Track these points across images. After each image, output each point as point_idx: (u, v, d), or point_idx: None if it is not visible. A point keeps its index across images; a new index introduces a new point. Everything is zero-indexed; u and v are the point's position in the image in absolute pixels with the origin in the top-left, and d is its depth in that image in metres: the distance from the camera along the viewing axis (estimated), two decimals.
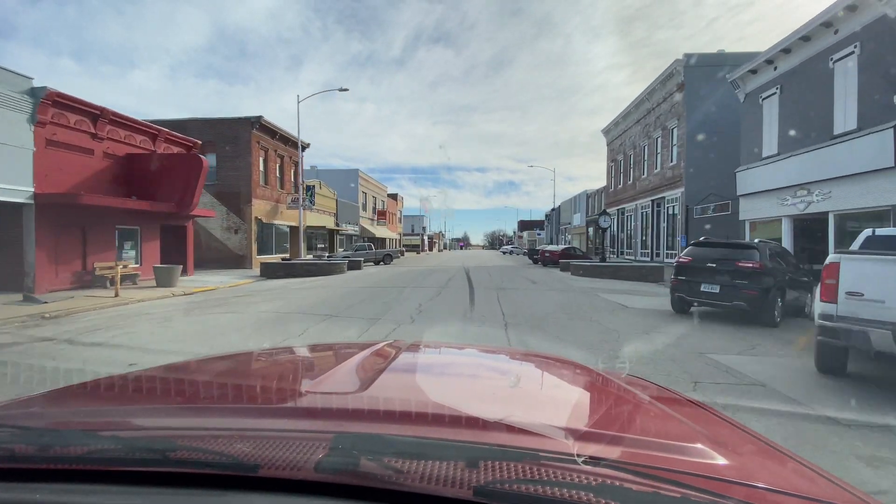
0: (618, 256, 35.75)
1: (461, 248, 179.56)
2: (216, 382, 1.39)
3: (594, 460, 0.73)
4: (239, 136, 26.43)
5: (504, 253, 72.66)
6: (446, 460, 0.69)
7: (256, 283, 17.76)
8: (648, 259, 29.34)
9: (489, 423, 0.93)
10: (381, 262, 31.04)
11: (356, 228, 45.20)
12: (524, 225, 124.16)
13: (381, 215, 54.63)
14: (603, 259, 21.74)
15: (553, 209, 54.08)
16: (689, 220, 23.96)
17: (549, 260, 28.08)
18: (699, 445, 0.93)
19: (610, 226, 23.05)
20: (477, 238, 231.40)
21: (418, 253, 72.02)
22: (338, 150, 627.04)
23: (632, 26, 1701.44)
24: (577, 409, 1.26)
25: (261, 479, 0.69)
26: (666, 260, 26.86)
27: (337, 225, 39.86)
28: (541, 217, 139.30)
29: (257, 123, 26.47)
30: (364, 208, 50.00)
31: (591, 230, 45.61)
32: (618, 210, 36.43)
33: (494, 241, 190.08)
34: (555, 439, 0.86)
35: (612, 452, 0.82)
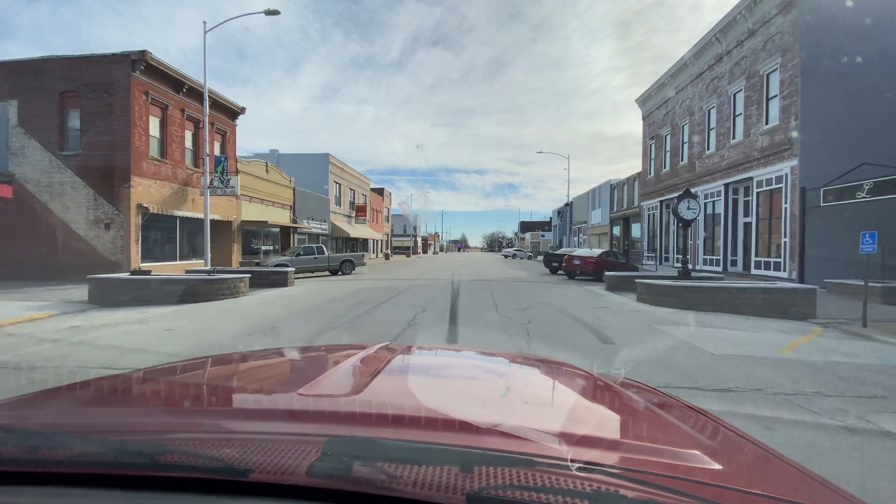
0: (660, 265, 26.92)
1: (459, 251, 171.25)
2: (207, 384, 1.37)
3: (589, 466, 0.71)
4: (113, 84, 17.45)
5: (506, 257, 63.22)
6: (440, 466, 0.68)
7: (34, 326, 8.79)
8: (720, 270, 20.44)
9: (483, 427, 0.90)
10: (339, 272, 22.07)
11: (324, 226, 36.28)
12: (526, 226, 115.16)
13: (361, 211, 45.60)
14: (686, 273, 12.78)
15: (566, 204, 45.08)
16: (804, 210, 14.99)
17: (579, 270, 19.12)
18: (696, 451, 0.91)
19: (697, 216, 14.04)
20: (475, 240, 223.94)
21: (408, 256, 63.09)
22: (337, 152, 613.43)
23: (630, 30, 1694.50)
24: (573, 413, 1.22)
25: (252, 483, 0.68)
26: (756, 272, 17.94)
27: (294, 220, 30.93)
28: (541, 219, 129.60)
29: (141, 63, 17.50)
30: (338, 202, 41.05)
31: (617, 229, 36.68)
32: (660, 202, 27.52)
33: (493, 243, 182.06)
34: (549, 445, 0.84)
35: (608, 458, 0.80)
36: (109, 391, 1.27)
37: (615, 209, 36.74)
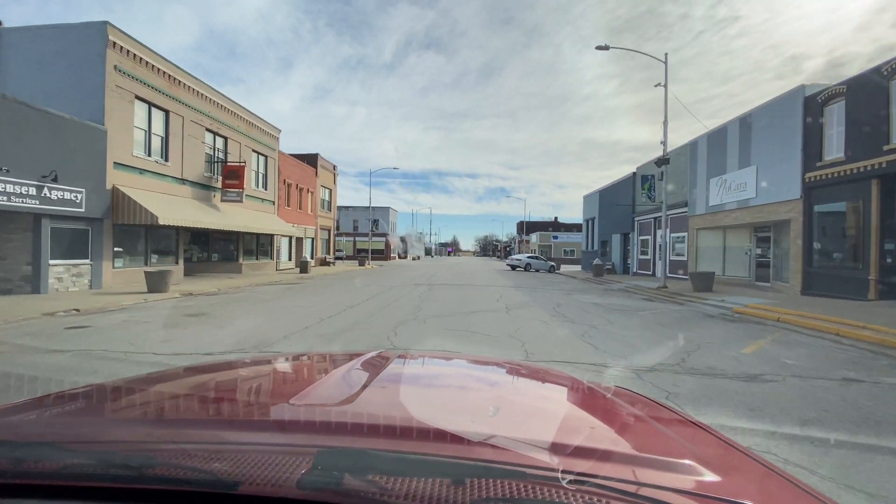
0: None
1: (449, 254, 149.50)
2: (196, 394, 1.34)
3: (581, 478, 0.71)
4: None
5: (514, 268, 39.82)
6: (431, 478, 0.67)
7: None
8: None
9: (475, 439, 0.89)
10: None
11: (73, 196, 13.61)
12: (531, 226, 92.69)
13: (233, 178, 22.68)
14: None
15: (661, 159, 22.00)
16: None
17: None
18: (687, 462, 0.90)
19: None
20: (467, 243, 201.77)
21: (361, 264, 40.41)
22: (329, 153, 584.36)
23: (621, 37, 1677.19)
24: (565, 424, 1.19)
25: (241, 496, 0.67)
26: None
27: None
28: (539, 219, 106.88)
29: None
30: (155, 151, 18.31)
31: (850, 212, 14.17)
32: None
33: (487, 247, 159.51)
34: (541, 457, 0.84)
35: (599, 469, 0.78)
36: (97, 400, 1.25)
37: (840, 152, 14.32)
